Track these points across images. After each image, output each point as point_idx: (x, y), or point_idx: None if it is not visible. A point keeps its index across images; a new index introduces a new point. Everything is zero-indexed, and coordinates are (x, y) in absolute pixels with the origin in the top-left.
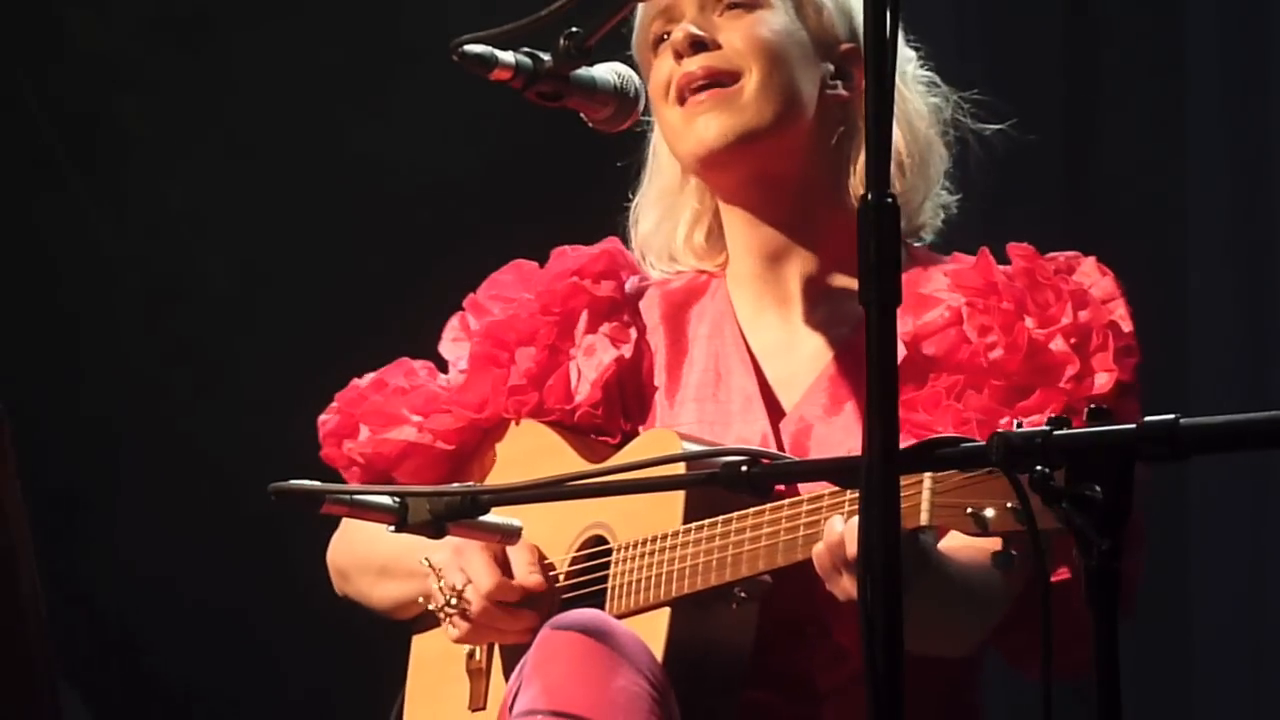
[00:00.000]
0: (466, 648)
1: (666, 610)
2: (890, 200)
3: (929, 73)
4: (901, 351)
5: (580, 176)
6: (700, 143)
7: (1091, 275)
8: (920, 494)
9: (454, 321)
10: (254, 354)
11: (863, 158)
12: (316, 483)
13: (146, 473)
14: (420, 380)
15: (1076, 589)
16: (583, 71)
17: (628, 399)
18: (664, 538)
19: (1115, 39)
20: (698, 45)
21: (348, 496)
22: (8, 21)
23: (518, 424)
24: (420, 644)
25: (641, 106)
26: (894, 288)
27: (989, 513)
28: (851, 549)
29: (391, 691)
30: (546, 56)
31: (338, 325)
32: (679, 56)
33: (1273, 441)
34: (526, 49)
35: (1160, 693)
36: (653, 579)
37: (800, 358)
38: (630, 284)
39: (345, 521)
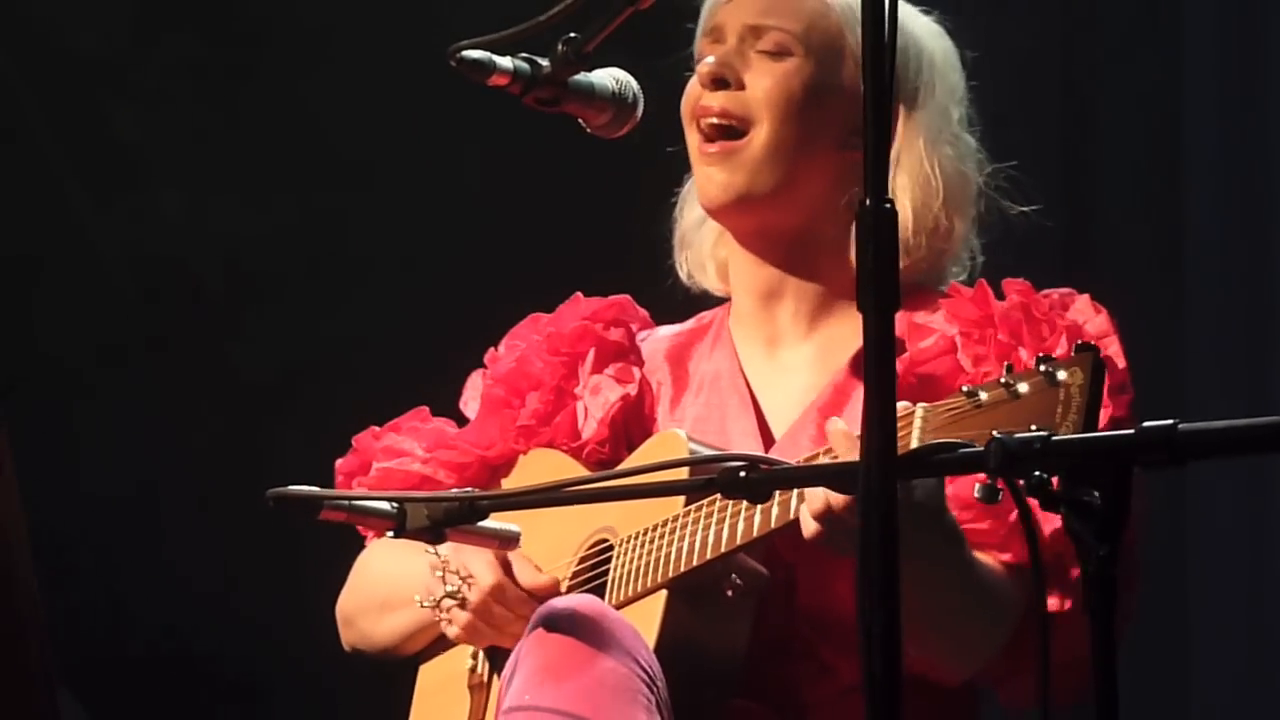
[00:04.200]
0: (468, 664)
1: (663, 595)
2: (888, 205)
3: (969, 135)
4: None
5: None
6: (704, 196)
7: (1085, 312)
8: (911, 427)
9: (473, 378)
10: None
11: None
12: (315, 488)
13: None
14: (436, 424)
15: (1066, 621)
16: (581, 77)
17: (633, 436)
18: (662, 524)
19: (1116, 22)
20: (720, 83)
21: (346, 502)
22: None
23: (525, 454)
24: (425, 673)
25: (640, 112)
26: (892, 292)
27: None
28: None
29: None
30: (544, 62)
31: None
32: (704, 85)
33: (1271, 447)
34: (524, 54)
35: (1157, 698)
36: (650, 564)
37: (790, 393)
38: (640, 335)
39: (351, 573)
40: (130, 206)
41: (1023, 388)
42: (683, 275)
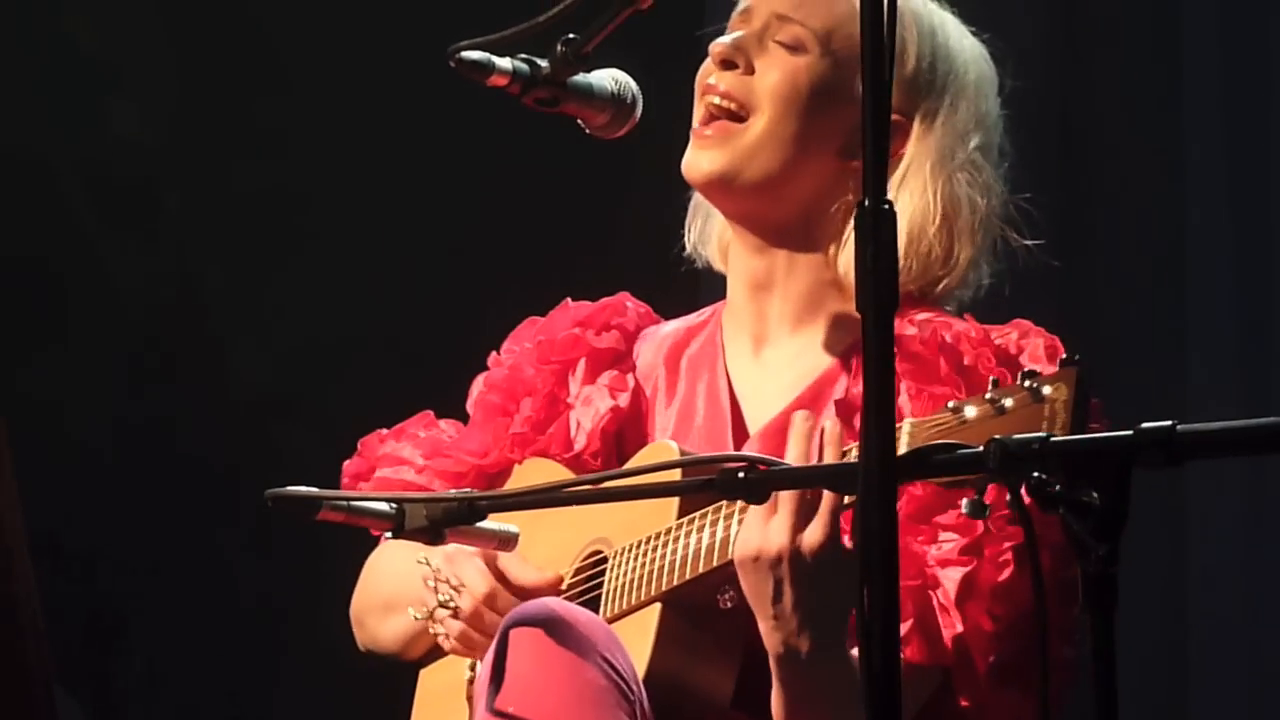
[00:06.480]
0: (468, 675)
1: (657, 608)
2: (887, 206)
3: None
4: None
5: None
6: (686, 168)
7: (1039, 360)
8: (899, 438)
9: (479, 380)
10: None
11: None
12: (314, 489)
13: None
14: (437, 431)
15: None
16: (580, 78)
17: (625, 446)
18: (656, 536)
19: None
20: (729, 64)
21: (345, 503)
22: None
23: (521, 464)
24: (426, 679)
25: (638, 113)
26: (891, 292)
27: None
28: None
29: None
30: (544, 63)
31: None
32: (715, 64)
33: (1269, 447)
34: (523, 55)
35: (1157, 698)
36: (643, 577)
37: (771, 393)
38: (644, 332)
39: (362, 573)
40: (131, 211)
41: (1008, 403)
42: (688, 244)
